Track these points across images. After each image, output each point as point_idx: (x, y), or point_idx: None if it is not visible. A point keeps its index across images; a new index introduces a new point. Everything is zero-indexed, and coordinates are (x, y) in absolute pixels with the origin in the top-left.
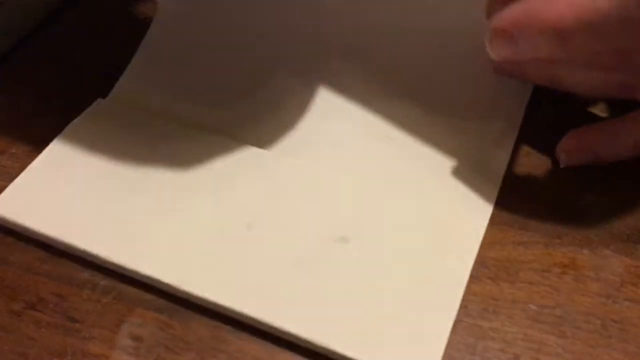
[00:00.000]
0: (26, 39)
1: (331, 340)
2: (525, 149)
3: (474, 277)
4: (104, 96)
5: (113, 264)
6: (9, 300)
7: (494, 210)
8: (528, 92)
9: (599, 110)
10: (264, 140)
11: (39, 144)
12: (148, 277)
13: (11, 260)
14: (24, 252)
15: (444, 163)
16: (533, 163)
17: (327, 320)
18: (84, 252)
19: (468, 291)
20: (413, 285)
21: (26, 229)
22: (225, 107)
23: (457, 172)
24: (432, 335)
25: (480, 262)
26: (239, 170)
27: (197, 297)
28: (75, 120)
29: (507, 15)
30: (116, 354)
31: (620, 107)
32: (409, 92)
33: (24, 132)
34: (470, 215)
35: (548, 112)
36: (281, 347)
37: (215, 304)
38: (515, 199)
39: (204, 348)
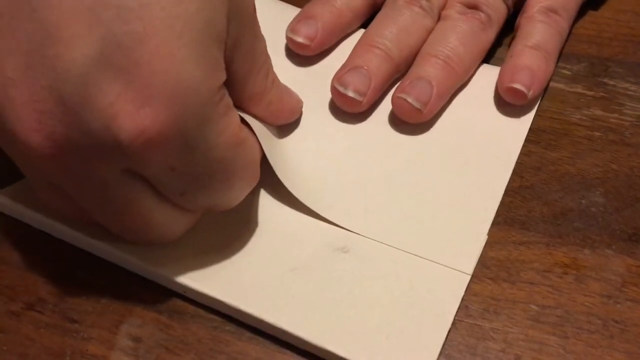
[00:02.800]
0: None
1: (327, 341)
2: (526, 148)
3: (474, 277)
4: None
5: (118, 256)
6: (7, 301)
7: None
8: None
9: None
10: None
11: None
12: (148, 271)
13: (10, 260)
14: (22, 252)
15: (444, 174)
16: (534, 163)
17: (325, 322)
18: (90, 243)
19: (469, 291)
20: (411, 290)
21: (34, 219)
22: None
23: (457, 186)
24: (427, 340)
25: (481, 262)
26: None
27: (201, 294)
28: None
29: None
30: (115, 354)
31: None
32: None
33: None
34: (470, 221)
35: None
36: (280, 348)
37: (219, 302)
38: (515, 198)
39: (204, 349)
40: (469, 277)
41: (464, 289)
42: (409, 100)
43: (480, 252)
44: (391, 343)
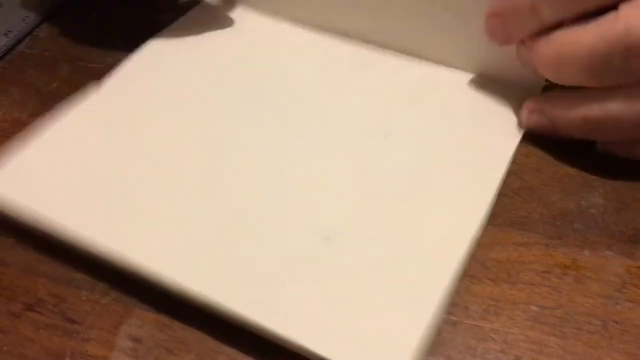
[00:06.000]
0: (24, 38)
1: (300, 335)
2: (526, 149)
3: (474, 278)
4: None
5: (96, 248)
6: (7, 302)
7: (494, 211)
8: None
9: None
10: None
11: None
12: (130, 264)
13: (9, 261)
14: (22, 252)
15: (439, 162)
16: (534, 164)
17: (302, 318)
18: (72, 236)
19: (469, 292)
20: (392, 285)
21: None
22: None
23: (451, 173)
24: (403, 340)
25: (481, 263)
26: (230, 166)
27: (170, 284)
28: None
29: None
30: (115, 355)
31: None
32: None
33: (20, 133)
34: (461, 215)
35: None
36: (280, 349)
37: (187, 292)
38: (515, 199)
39: (204, 350)
40: (450, 277)
41: (444, 288)
42: None
43: (468, 250)
44: (367, 341)
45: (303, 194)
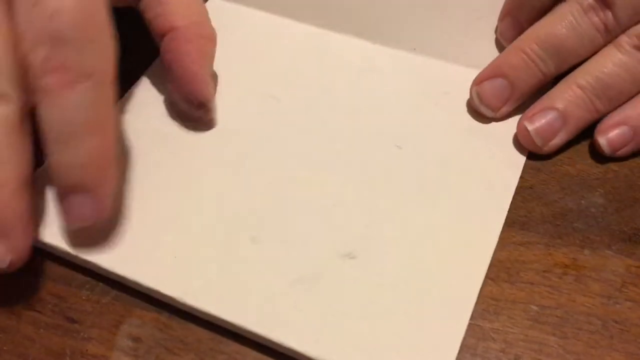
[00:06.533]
0: None
1: (338, 357)
2: (526, 149)
3: None
4: None
5: (112, 273)
6: (7, 300)
7: None
8: None
9: None
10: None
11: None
12: (148, 288)
13: None
14: None
15: (454, 174)
16: (534, 164)
17: (334, 337)
18: (84, 261)
19: None
20: (421, 298)
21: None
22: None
23: (468, 184)
24: (441, 351)
25: None
26: (242, 184)
27: (198, 310)
28: None
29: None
30: (115, 354)
31: None
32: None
33: None
34: (481, 226)
35: None
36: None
37: (217, 318)
38: (515, 199)
39: (203, 349)
40: (477, 290)
41: (477, 293)
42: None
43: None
44: (404, 356)
45: (319, 209)
